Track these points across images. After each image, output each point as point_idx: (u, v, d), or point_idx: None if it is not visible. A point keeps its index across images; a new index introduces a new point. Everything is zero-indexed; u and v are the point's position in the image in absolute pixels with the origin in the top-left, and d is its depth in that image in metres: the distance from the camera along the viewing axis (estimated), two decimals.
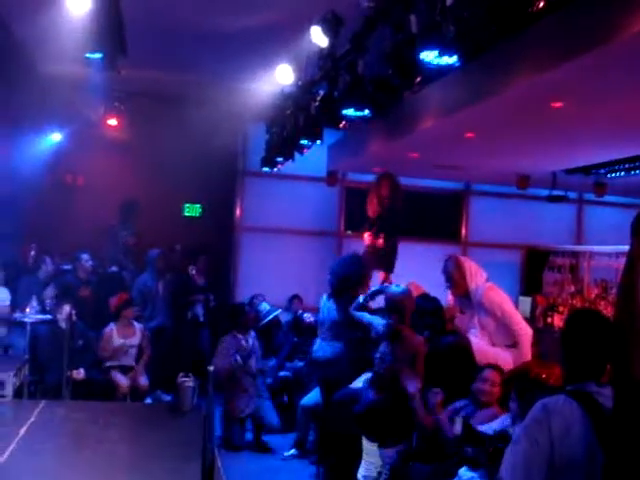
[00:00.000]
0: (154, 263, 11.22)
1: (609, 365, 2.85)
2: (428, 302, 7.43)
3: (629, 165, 10.27)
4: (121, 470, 5.26)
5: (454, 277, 7.11)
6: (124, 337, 9.71)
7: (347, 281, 8.21)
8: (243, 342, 9.45)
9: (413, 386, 5.58)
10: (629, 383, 2.68)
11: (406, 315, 6.89)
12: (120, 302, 9.86)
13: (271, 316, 10.92)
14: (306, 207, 12.85)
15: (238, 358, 9.23)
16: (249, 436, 9.31)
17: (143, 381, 9.71)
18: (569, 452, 3.06)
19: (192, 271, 11.84)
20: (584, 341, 3.23)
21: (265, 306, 11.10)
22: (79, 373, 8.95)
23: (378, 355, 6.23)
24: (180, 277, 11.75)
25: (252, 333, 9.70)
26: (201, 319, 11.72)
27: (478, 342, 7.01)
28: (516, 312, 7.18)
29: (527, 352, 6.76)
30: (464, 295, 7.13)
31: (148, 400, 9.68)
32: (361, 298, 7.84)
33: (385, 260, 10.01)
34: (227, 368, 9.10)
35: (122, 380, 9.42)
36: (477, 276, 7.22)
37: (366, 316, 7.61)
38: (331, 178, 12.41)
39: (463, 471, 4.70)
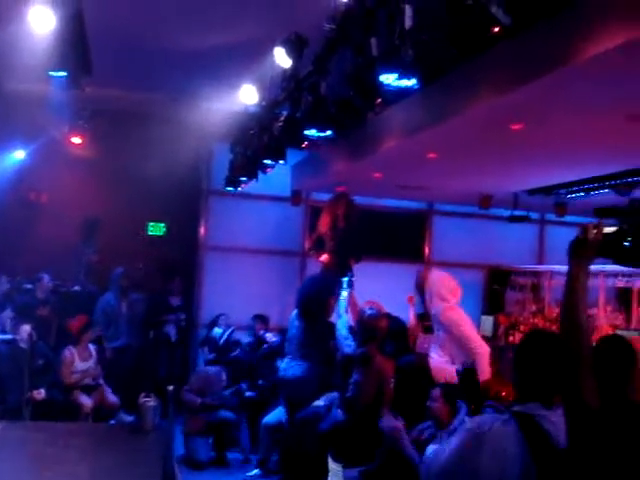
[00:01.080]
0: (117, 282, 11.17)
1: (559, 391, 2.89)
2: (392, 323, 7.47)
3: (588, 186, 10.40)
4: None
5: (419, 293, 7.20)
6: (84, 360, 9.65)
7: (314, 302, 8.23)
8: (215, 370, 9.59)
9: (395, 424, 5.63)
10: (581, 409, 2.70)
11: (379, 338, 6.84)
12: (81, 325, 9.80)
13: (225, 335, 10.93)
14: (270, 227, 12.85)
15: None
16: (210, 454, 9.30)
17: (112, 399, 9.67)
18: (500, 473, 3.11)
19: (171, 291, 11.84)
20: (536, 362, 3.29)
21: (217, 331, 11.12)
22: (39, 393, 8.87)
23: (352, 380, 6.26)
24: (150, 296, 11.71)
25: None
26: (173, 339, 11.70)
27: (436, 360, 7.09)
28: (473, 331, 7.25)
29: (484, 370, 6.82)
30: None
31: (111, 421, 9.62)
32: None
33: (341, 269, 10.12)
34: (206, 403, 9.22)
35: (86, 400, 9.35)
36: (439, 295, 7.28)
37: (341, 331, 7.62)
38: (295, 198, 12.45)
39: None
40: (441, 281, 7.49)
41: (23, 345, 8.93)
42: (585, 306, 2.76)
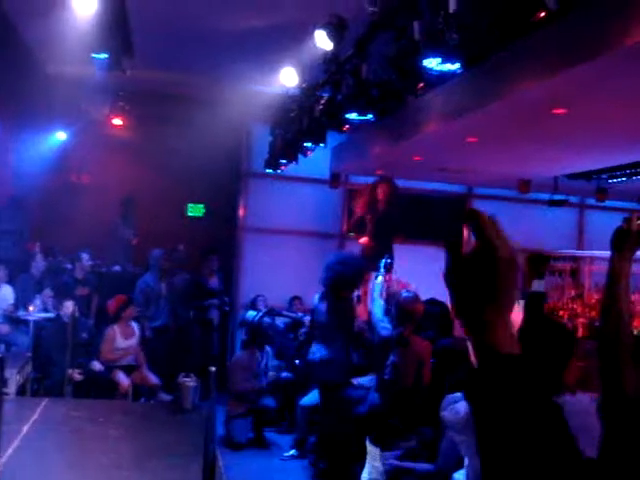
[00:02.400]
0: (157, 263, 11.26)
1: (600, 384, 2.88)
2: (435, 306, 7.46)
3: (630, 171, 10.30)
4: (122, 467, 5.32)
5: None
6: (126, 338, 9.78)
7: (343, 279, 8.22)
8: (260, 359, 9.63)
9: None
10: (622, 400, 2.68)
11: (415, 321, 6.85)
12: (119, 304, 9.91)
13: (258, 316, 10.99)
14: (309, 209, 12.88)
15: (263, 382, 9.42)
16: (249, 435, 9.39)
17: (154, 380, 9.79)
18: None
19: (205, 271, 11.89)
20: (543, 349, 3.27)
21: (251, 313, 11.19)
22: (79, 373, 8.98)
23: (388, 362, 6.29)
24: (191, 279, 11.79)
25: (267, 349, 9.86)
26: (215, 323, 11.79)
27: None
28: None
29: None
30: None
31: (151, 401, 9.74)
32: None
33: (378, 262, 10.12)
34: (247, 389, 9.27)
35: (124, 379, 9.47)
36: None
37: (377, 314, 7.62)
38: (334, 180, 12.46)
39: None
40: None
41: (66, 320, 9.05)
42: (628, 297, 2.74)
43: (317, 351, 8.19)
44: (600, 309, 2.85)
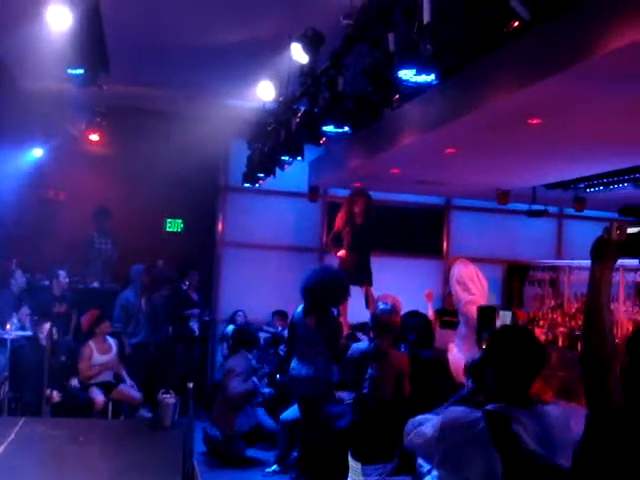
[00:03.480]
0: (139, 279, 11.19)
1: (584, 395, 2.86)
2: (415, 318, 7.44)
3: (607, 180, 10.34)
4: None
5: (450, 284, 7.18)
6: (102, 353, 9.69)
7: (328, 294, 8.19)
8: (253, 361, 9.57)
9: None
10: (607, 411, 2.66)
11: (393, 333, 6.78)
12: (92, 319, 9.84)
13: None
14: (288, 223, 12.86)
15: (256, 380, 9.34)
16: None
17: (135, 394, 9.71)
18: (459, 470, 3.18)
19: (185, 286, 11.87)
20: (513, 360, 3.30)
21: (231, 327, 11.16)
22: (55, 395, 8.89)
23: (367, 376, 6.25)
24: (169, 293, 11.74)
25: (255, 352, 9.81)
26: (196, 333, 11.75)
27: (455, 354, 7.05)
28: None
29: None
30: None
31: (132, 417, 9.66)
32: None
33: (357, 274, 10.14)
34: (248, 390, 9.18)
35: (99, 396, 9.38)
36: (462, 286, 7.24)
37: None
38: (313, 194, 12.44)
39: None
40: (464, 272, 7.44)
41: (44, 342, 8.97)
42: (609, 306, 2.73)
43: (300, 367, 8.13)
44: (583, 319, 2.83)
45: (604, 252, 2.74)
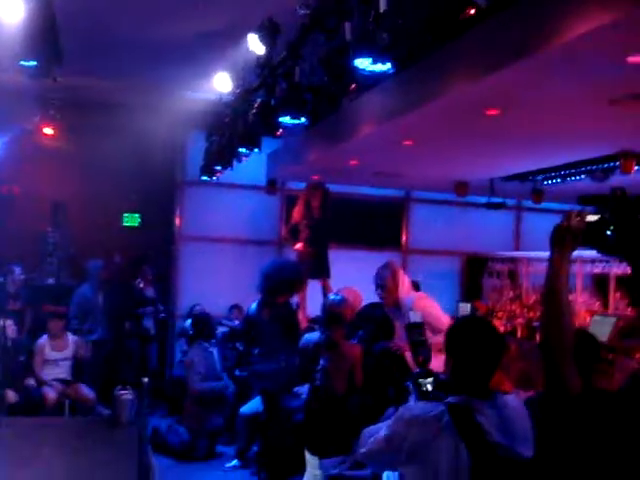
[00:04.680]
0: (96, 274, 11.05)
1: (542, 381, 2.85)
2: (376, 309, 7.40)
3: (565, 172, 10.40)
4: None
5: (388, 285, 7.09)
6: (56, 350, 9.55)
7: (280, 285, 8.18)
8: (212, 350, 9.47)
9: None
10: (562, 395, 2.67)
11: (343, 324, 6.73)
12: (54, 311, 9.72)
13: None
14: (246, 216, 12.78)
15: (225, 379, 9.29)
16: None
17: (89, 394, 9.56)
18: (420, 468, 3.13)
19: (140, 284, 11.72)
20: (473, 351, 3.26)
21: (189, 322, 11.08)
22: (11, 395, 8.75)
23: (319, 367, 6.22)
24: (125, 288, 11.60)
25: (213, 341, 9.71)
26: (152, 332, 11.60)
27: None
28: (446, 316, 7.15)
29: None
30: (393, 304, 7.10)
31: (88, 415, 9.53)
32: None
33: (315, 268, 10.13)
34: (207, 390, 9.11)
35: (50, 393, 9.23)
36: (407, 286, 7.24)
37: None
38: (271, 187, 12.38)
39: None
40: (405, 276, 7.45)
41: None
42: (567, 293, 2.73)
43: (262, 362, 8.10)
44: (541, 306, 2.83)
45: (563, 239, 2.74)
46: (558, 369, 2.68)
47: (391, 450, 3.24)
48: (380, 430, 3.35)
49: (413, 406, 3.41)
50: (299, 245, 10.58)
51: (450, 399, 3.22)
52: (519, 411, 3.19)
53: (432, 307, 7.07)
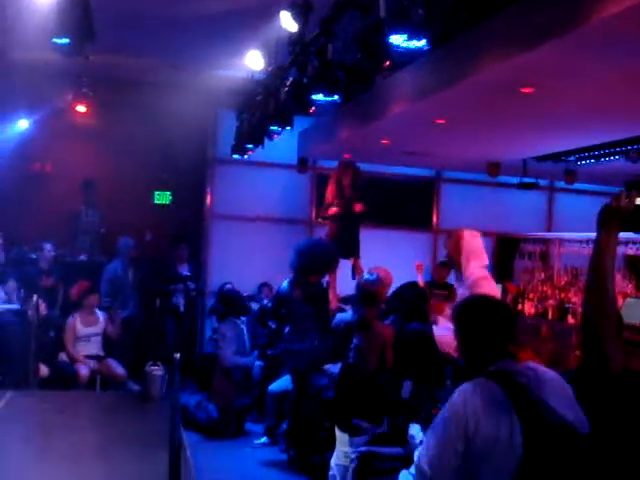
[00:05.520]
0: (126, 251, 11.11)
1: (582, 359, 2.82)
2: (409, 290, 7.36)
3: (598, 152, 10.30)
4: (88, 458, 5.23)
5: (449, 250, 7.01)
6: (87, 326, 9.63)
7: (313, 264, 8.18)
8: (243, 327, 9.51)
9: None
10: (606, 375, 2.65)
11: (378, 304, 6.74)
12: (81, 290, 9.77)
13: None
14: (277, 194, 12.77)
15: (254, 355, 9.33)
16: None
17: (120, 371, 9.64)
18: (485, 437, 2.98)
19: (178, 261, 11.74)
20: (482, 326, 3.27)
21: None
22: (43, 369, 8.84)
23: (352, 346, 6.23)
24: (155, 265, 11.65)
25: (243, 319, 9.74)
26: (182, 309, 11.63)
27: (441, 329, 6.96)
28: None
29: None
30: (458, 269, 7.02)
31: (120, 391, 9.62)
32: None
33: (345, 247, 10.06)
34: (239, 365, 9.16)
35: (83, 370, 9.31)
36: (474, 261, 7.09)
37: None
38: (302, 165, 12.35)
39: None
40: (475, 243, 7.27)
41: (31, 317, 8.89)
42: (613, 274, 2.72)
43: (293, 341, 8.14)
44: (585, 285, 2.81)
45: (611, 220, 2.73)
46: (601, 346, 2.66)
47: (450, 439, 3.14)
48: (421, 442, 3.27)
49: (458, 389, 3.31)
50: (333, 209, 10.41)
51: (490, 368, 3.14)
52: (556, 376, 3.13)
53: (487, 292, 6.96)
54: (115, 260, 11.19)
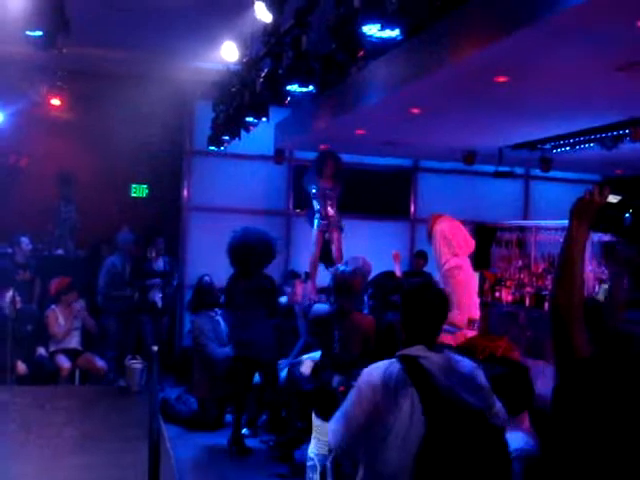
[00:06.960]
0: (126, 246, 11.00)
1: (552, 346, 2.88)
2: (390, 280, 7.39)
3: (574, 140, 10.34)
4: (68, 451, 5.23)
5: (428, 235, 7.08)
6: (66, 319, 9.60)
7: (252, 256, 8.36)
8: (219, 319, 9.47)
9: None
10: (572, 360, 2.69)
11: (355, 295, 6.72)
12: (61, 286, 9.74)
13: None
14: (254, 186, 12.75)
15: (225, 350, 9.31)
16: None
17: (100, 364, 9.62)
18: (385, 414, 3.23)
19: (152, 254, 11.66)
20: (417, 309, 3.54)
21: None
22: (20, 366, 8.81)
23: (336, 337, 6.25)
24: (134, 260, 11.59)
25: (217, 311, 9.71)
26: (159, 305, 11.53)
27: None
28: (464, 295, 7.06)
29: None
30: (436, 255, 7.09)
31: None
32: None
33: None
34: (220, 357, 9.13)
35: (65, 363, 9.29)
36: (449, 248, 7.14)
37: None
38: (279, 156, 12.34)
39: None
40: (450, 229, 7.32)
41: (7, 311, 8.85)
42: (582, 265, 2.76)
43: (239, 332, 8.31)
44: (554, 274, 2.86)
45: (583, 211, 2.76)
46: (567, 334, 2.71)
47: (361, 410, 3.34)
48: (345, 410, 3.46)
49: (366, 371, 3.50)
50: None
51: (399, 352, 3.42)
52: (469, 366, 3.40)
53: (457, 283, 7.02)
54: (114, 254, 11.08)
